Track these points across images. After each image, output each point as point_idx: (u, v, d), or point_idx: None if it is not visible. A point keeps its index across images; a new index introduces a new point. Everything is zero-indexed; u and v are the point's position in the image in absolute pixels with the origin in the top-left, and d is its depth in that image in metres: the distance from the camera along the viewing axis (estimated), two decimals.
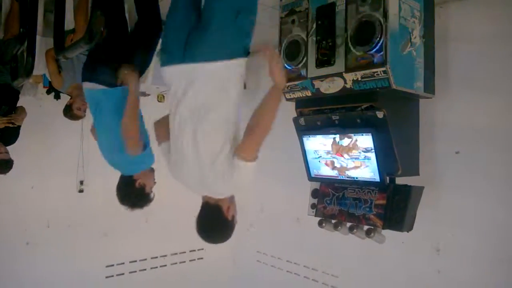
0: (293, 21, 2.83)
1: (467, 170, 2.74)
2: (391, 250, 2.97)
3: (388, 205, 2.62)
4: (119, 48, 2.10)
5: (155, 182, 2.30)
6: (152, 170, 2.29)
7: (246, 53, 1.68)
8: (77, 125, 3.46)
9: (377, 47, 2.34)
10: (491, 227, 2.63)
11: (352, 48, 2.46)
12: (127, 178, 2.23)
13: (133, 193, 2.20)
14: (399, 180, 2.70)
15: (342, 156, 2.75)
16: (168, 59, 1.72)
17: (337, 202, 2.87)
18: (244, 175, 1.65)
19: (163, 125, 1.85)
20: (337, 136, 2.75)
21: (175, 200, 4.04)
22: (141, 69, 2.20)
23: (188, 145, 1.68)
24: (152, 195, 2.29)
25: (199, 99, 1.65)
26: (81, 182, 3.83)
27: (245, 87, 1.81)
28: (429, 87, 2.70)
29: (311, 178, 2.99)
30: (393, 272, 3.16)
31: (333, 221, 2.86)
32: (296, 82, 2.81)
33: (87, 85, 2.16)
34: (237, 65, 1.65)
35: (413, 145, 2.77)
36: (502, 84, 2.60)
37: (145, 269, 4.16)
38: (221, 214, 1.75)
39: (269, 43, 1.68)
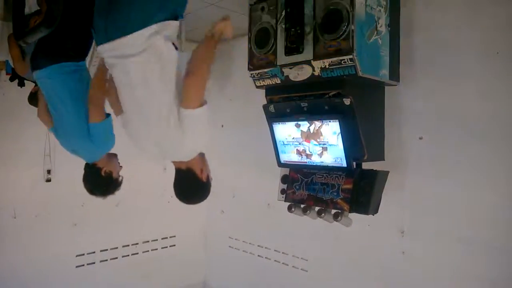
0: (262, 9, 2.84)
1: (430, 155, 2.85)
2: (358, 233, 3.07)
3: (354, 189, 2.69)
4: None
5: (121, 167, 2.30)
6: (115, 155, 2.29)
7: (173, 16, 1.61)
8: None
9: (344, 35, 2.38)
10: (451, 210, 2.75)
11: (320, 35, 2.50)
12: (91, 168, 2.20)
13: (102, 182, 2.19)
14: (366, 165, 2.78)
15: (310, 142, 2.81)
16: (96, 37, 1.69)
17: (305, 187, 2.93)
18: (195, 123, 1.64)
19: (112, 94, 1.84)
20: (305, 123, 2.80)
21: (146, 187, 4.03)
22: (80, 51, 2.13)
23: (136, 118, 1.70)
24: (120, 178, 2.29)
25: (130, 73, 1.61)
26: (48, 171, 3.74)
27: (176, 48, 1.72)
28: (394, 74, 2.77)
29: (280, 164, 3.03)
30: (359, 254, 3.28)
31: (302, 205, 2.92)
32: (265, 70, 2.83)
33: (34, 74, 2.13)
34: (165, 29, 1.58)
35: (378, 131, 2.85)
36: (465, 72, 2.69)
37: (116, 258, 4.13)
38: (195, 177, 1.80)
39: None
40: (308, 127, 2.78)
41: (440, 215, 2.81)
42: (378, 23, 2.56)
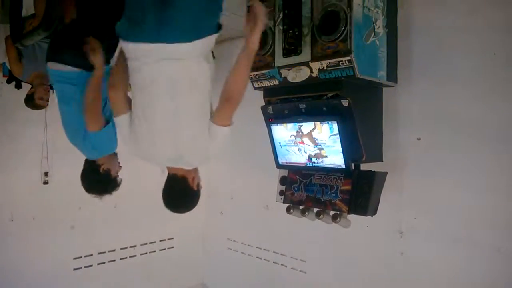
0: None
1: (428, 156, 2.86)
2: (356, 234, 3.07)
3: (353, 190, 2.70)
4: (90, 29, 1.98)
5: (120, 166, 2.26)
6: (115, 154, 2.25)
7: (219, 27, 1.62)
8: (40, 114, 3.36)
9: (342, 36, 2.39)
10: (449, 210, 2.75)
11: (317, 37, 2.50)
12: (90, 165, 2.18)
13: (99, 180, 2.16)
14: (364, 166, 2.79)
15: (304, 143, 2.81)
16: (138, 35, 1.57)
17: (304, 188, 2.93)
18: (220, 141, 1.68)
19: (121, 91, 1.77)
20: (302, 124, 2.80)
21: (143, 189, 4.01)
22: (110, 55, 2.04)
23: (166, 120, 1.66)
24: (119, 179, 2.26)
25: (177, 74, 1.61)
26: (46, 174, 3.72)
27: (213, 57, 1.77)
28: (392, 75, 2.78)
29: (279, 166, 3.03)
30: (358, 255, 3.28)
31: (301, 207, 2.93)
32: (263, 71, 2.83)
33: (54, 66, 2.05)
34: (212, 40, 1.61)
35: (376, 132, 2.85)
36: (462, 74, 2.71)
37: (114, 260, 4.11)
38: (187, 186, 1.80)
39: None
40: (300, 128, 2.79)
41: (439, 215, 2.81)
42: (376, 25, 2.57)
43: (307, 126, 2.77)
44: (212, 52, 1.72)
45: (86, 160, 2.20)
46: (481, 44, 2.62)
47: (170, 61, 1.57)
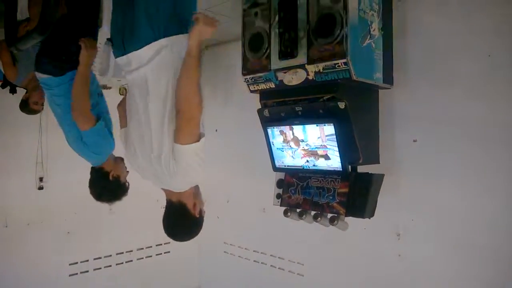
0: (256, 14, 2.84)
1: (424, 158, 2.86)
2: (354, 236, 3.06)
3: (350, 193, 2.69)
4: (57, 38, 2.01)
5: (127, 172, 2.25)
6: (121, 159, 2.24)
7: (185, 28, 1.58)
8: (35, 119, 3.34)
9: (338, 39, 2.39)
10: (447, 212, 2.76)
11: (313, 40, 2.50)
12: (98, 172, 2.18)
13: (110, 187, 2.15)
14: (360, 169, 2.78)
15: (299, 146, 2.81)
16: (115, 51, 1.71)
17: (301, 191, 2.92)
18: (186, 159, 1.53)
19: (125, 109, 1.80)
20: (295, 127, 2.80)
21: (139, 193, 3.98)
22: None
23: (137, 131, 1.65)
24: (127, 184, 2.25)
25: (143, 86, 1.59)
26: (41, 179, 3.70)
27: None
28: (388, 78, 2.78)
29: (276, 169, 3.02)
30: (356, 258, 3.27)
31: (298, 210, 2.91)
32: (259, 74, 2.82)
33: (38, 75, 2.13)
34: (175, 43, 1.57)
35: (373, 134, 2.85)
36: (457, 75, 2.71)
37: (110, 266, 4.08)
38: (187, 213, 1.68)
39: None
40: (291, 131, 2.80)
41: (436, 217, 2.81)
42: (371, 27, 2.57)
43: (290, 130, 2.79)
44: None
45: (92, 168, 2.20)
46: (476, 45, 2.63)
47: (137, 70, 1.61)
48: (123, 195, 2.23)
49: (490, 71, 2.59)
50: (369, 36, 2.56)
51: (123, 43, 1.64)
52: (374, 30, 2.60)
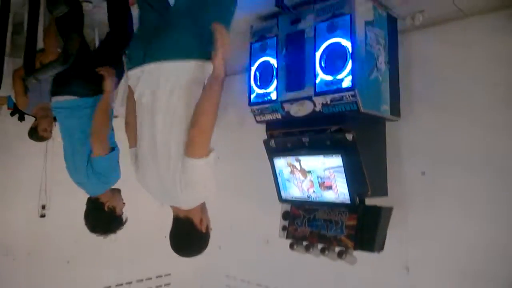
0: (263, 46, 2.88)
1: (433, 190, 2.83)
2: (361, 271, 2.97)
3: (358, 226, 2.65)
4: (89, 61, 2.10)
5: (124, 203, 2.24)
6: (119, 191, 2.24)
7: (209, 56, 1.58)
8: (41, 147, 3.35)
9: (346, 72, 2.41)
10: (456, 245, 2.71)
11: (321, 72, 2.52)
12: (93, 203, 2.16)
13: (104, 218, 2.13)
14: (368, 201, 2.74)
15: (306, 177, 2.79)
16: (130, 63, 1.70)
17: (308, 223, 2.88)
18: (197, 174, 1.55)
19: (133, 128, 1.78)
20: (303, 158, 2.79)
21: (140, 222, 3.93)
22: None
23: (147, 151, 1.63)
24: (124, 216, 2.22)
25: (156, 101, 1.60)
26: (43, 207, 3.67)
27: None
28: (395, 110, 2.80)
29: (282, 200, 2.99)
30: None
31: (305, 243, 2.86)
32: (266, 105, 2.84)
33: (57, 99, 2.15)
34: (197, 67, 1.58)
35: (381, 166, 2.84)
36: (464, 106, 2.73)
37: None
38: (194, 228, 1.68)
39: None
40: (298, 162, 2.79)
41: (446, 250, 2.76)
42: (378, 61, 2.60)
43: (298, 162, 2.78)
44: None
45: (89, 199, 2.19)
46: (482, 76, 2.65)
47: (155, 85, 1.61)
48: (118, 228, 2.21)
49: (496, 101, 2.59)
50: (375, 69, 2.58)
51: (144, 54, 1.63)
52: (380, 63, 2.63)
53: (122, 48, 2.17)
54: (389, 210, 2.71)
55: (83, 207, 2.22)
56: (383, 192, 2.82)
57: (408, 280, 2.93)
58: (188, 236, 1.69)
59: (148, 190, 1.75)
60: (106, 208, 2.13)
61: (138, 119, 1.70)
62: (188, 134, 1.53)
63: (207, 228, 1.74)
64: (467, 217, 2.66)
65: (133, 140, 1.77)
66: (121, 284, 4.07)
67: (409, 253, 2.94)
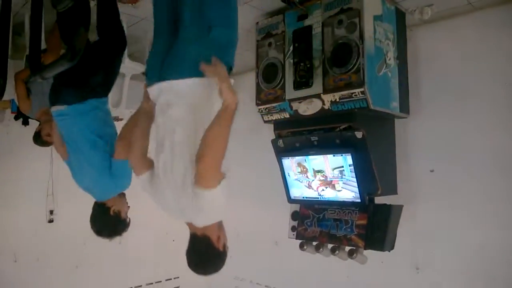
0: (269, 44, 2.85)
1: (442, 188, 2.80)
2: (371, 270, 2.95)
3: (369, 225, 2.61)
4: (81, 68, 2.06)
5: (128, 207, 2.22)
6: (123, 194, 2.22)
7: (228, 70, 1.57)
8: (46, 151, 3.32)
9: (354, 68, 2.37)
10: (467, 244, 2.67)
11: (329, 69, 2.49)
12: (100, 207, 2.14)
13: (110, 222, 2.12)
14: (377, 199, 2.70)
15: (316, 177, 2.75)
16: (148, 81, 1.68)
17: (317, 223, 2.84)
18: (210, 203, 1.50)
19: (138, 153, 1.73)
20: (312, 158, 2.75)
21: (148, 225, 3.92)
22: (106, 88, 2.19)
23: (163, 169, 1.59)
24: (128, 220, 2.22)
25: (171, 119, 1.57)
26: (51, 212, 3.63)
27: None
28: (404, 107, 2.76)
29: (291, 200, 2.95)
30: None
31: (314, 243, 2.82)
32: (274, 104, 2.80)
33: (53, 109, 2.14)
34: (209, 83, 1.53)
35: (390, 164, 2.80)
36: (473, 103, 2.69)
37: None
38: (211, 246, 1.62)
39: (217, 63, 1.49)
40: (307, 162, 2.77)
41: (456, 249, 2.72)
42: (387, 56, 2.56)
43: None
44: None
45: (95, 203, 2.17)
46: (492, 73, 2.62)
47: (167, 103, 1.58)
48: (123, 231, 2.19)
49: (507, 99, 2.55)
50: (385, 65, 2.54)
51: (161, 69, 1.61)
52: (389, 59, 2.59)
53: (116, 54, 2.19)
54: (399, 208, 2.67)
55: (90, 211, 2.21)
56: (393, 190, 2.78)
57: (418, 279, 2.90)
58: (206, 254, 1.64)
59: (167, 212, 1.70)
60: (111, 212, 2.12)
61: (157, 136, 1.65)
62: (197, 167, 1.46)
63: (224, 246, 1.68)
64: (476, 215, 2.62)
65: (140, 165, 1.72)
66: None
67: (418, 252, 2.90)
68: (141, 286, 4.09)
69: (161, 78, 1.60)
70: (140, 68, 3.16)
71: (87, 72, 2.08)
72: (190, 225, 1.66)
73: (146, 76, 1.72)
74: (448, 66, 2.80)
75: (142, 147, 1.72)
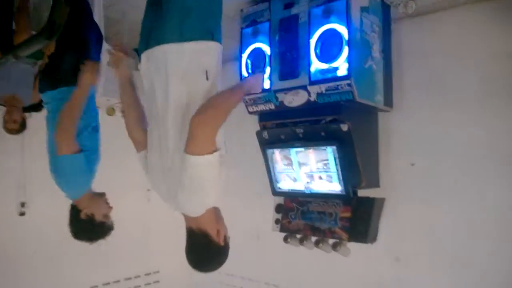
0: (254, 33, 2.79)
1: (422, 182, 2.83)
2: (352, 262, 2.96)
3: (353, 217, 2.62)
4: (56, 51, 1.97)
5: (110, 207, 2.05)
6: (100, 195, 2.05)
7: (209, 35, 1.48)
8: (17, 140, 3.16)
9: (342, 60, 2.35)
10: (445, 235, 2.72)
11: (316, 60, 2.46)
12: (72, 210, 2.00)
13: (82, 227, 1.97)
14: (360, 192, 2.72)
15: (301, 169, 2.74)
16: (138, 55, 1.59)
17: (302, 216, 2.83)
18: (196, 174, 1.35)
19: (134, 130, 1.65)
20: (297, 150, 2.73)
21: (126, 219, 3.80)
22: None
23: (154, 150, 1.51)
24: (109, 222, 2.04)
25: (161, 91, 1.46)
26: (22, 204, 3.47)
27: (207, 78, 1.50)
28: (388, 100, 2.77)
29: (276, 193, 2.92)
30: (354, 283, 3.15)
31: (298, 236, 2.82)
32: (259, 95, 2.75)
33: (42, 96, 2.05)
34: (197, 49, 1.45)
35: (373, 157, 2.81)
36: (455, 99, 2.72)
37: None
38: (211, 242, 1.50)
39: None
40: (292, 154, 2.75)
41: (435, 241, 2.76)
42: (373, 49, 2.56)
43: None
44: (206, 72, 1.48)
45: (70, 206, 2.01)
46: (473, 68, 2.64)
47: (156, 70, 1.49)
48: (105, 235, 2.04)
49: (487, 93, 2.59)
50: (370, 58, 2.53)
51: (148, 40, 1.53)
52: (375, 52, 2.58)
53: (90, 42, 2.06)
54: (381, 201, 2.71)
55: (66, 203, 2.08)
56: (375, 183, 2.80)
57: (399, 270, 2.93)
58: (206, 251, 1.52)
59: (159, 194, 1.60)
60: (83, 216, 1.95)
61: (147, 111, 1.58)
62: (189, 127, 1.33)
63: (226, 239, 1.57)
64: (457, 208, 2.66)
65: (137, 144, 1.63)
66: (108, 283, 3.91)
67: (399, 244, 2.93)
68: (119, 281, 3.98)
69: (148, 46, 1.51)
70: None
71: (57, 58, 1.98)
72: (185, 218, 1.55)
73: (137, 52, 1.62)
74: (430, 60, 2.81)
75: (134, 119, 1.63)
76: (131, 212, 3.81)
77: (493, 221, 2.52)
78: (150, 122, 1.56)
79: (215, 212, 1.54)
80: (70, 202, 2.06)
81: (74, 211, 1.98)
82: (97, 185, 2.10)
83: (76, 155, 1.88)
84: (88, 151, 1.96)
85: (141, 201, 3.70)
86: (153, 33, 1.52)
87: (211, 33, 1.49)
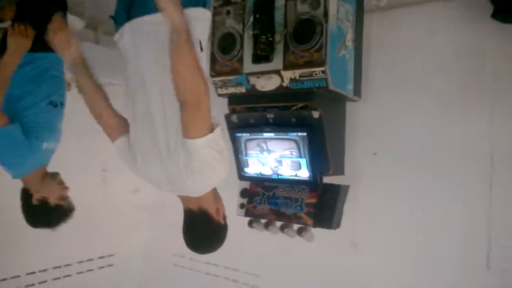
0: (228, 12, 2.70)
1: (382, 171, 2.91)
2: (311, 247, 2.99)
3: (318, 203, 2.65)
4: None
5: (65, 187, 1.93)
6: (53, 175, 1.92)
7: (200, 2, 1.41)
8: None
9: (317, 46, 2.34)
10: (402, 224, 2.82)
11: (291, 45, 2.43)
12: (22, 194, 1.86)
13: (36, 213, 1.84)
14: (324, 179, 2.74)
15: (269, 154, 2.72)
16: (116, 28, 1.48)
17: (267, 201, 2.83)
18: (201, 156, 1.31)
19: (103, 116, 1.52)
20: (266, 135, 2.70)
21: (81, 200, 3.62)
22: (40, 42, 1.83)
23: (146, 132, 1.41)
24: (66, 204, 1.92)
25: (150, 65, 1.37)
26: None
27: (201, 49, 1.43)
28: (357, 90, 2.80)
29: (242, 177, 2.89)
30: (313, 268, 3.21)
31: (263, 220, 2.81)
32: (230, 77, 2.68)
33: None
34: (191, 17, 1.34)
35: (340, 145, 2.85)
36: (416, 92, 2.80)
37: (45, 281, 3.61)
38: (211, 221, 1.48)
39: None
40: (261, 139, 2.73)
41: (392, 229, 2.86)
42: (346, 38, 2.57)
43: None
44: (200, 42, 1.39)
45: (21, 190, 1.86)
46: (438, 64, 2.73)
47: (142, 43, 1.39)
48: (65, 218, 1.92)
49: (451, 86, 2.69)
50: (344, 47, 2.54)
51: (128, 13, 1.42)
52: (348, 41, 2.60)
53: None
54: (346, 188, 2.76)
55: (15, 181, 1.90)
56: (341, 171, 2.84)
57: (355, 255, 3.02)
58: (207, 231, 1.51)
59: (151, 182, 1.52)
60: (35, 201, 1.82)
61: (129, 98, 1.46)
62: (181, 116, 1.29)
63: (225, 218, 1.56)
64: (415, 197, 2.76)
65: (112, 130, 1.51)
66: (59, 267, 3.72)
67: (357, 230, 3.01)
68: (71, 264, 3.80)
69: (133, 15, 1.41)
70: (78, 23, 2.83)
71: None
72: (183, 198, 1.49)
73: (115, 20, 1.51)
74: (400, 53, 2.86)
75: (103, 100, 1.51)
76: (85, 194, 3.61)
77: (450, 209, 2.64)
78: (133, 98, 1.45)
79: (213, 191, 1.50)
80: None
81: (26, 196, 1.83)
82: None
83: (5, 128, 1.71)
84: (33, 126, 1.79)
85: (95, 182, 3.52)
86: (137, 0, 1.41)
87: (204, 3, 1.43)
